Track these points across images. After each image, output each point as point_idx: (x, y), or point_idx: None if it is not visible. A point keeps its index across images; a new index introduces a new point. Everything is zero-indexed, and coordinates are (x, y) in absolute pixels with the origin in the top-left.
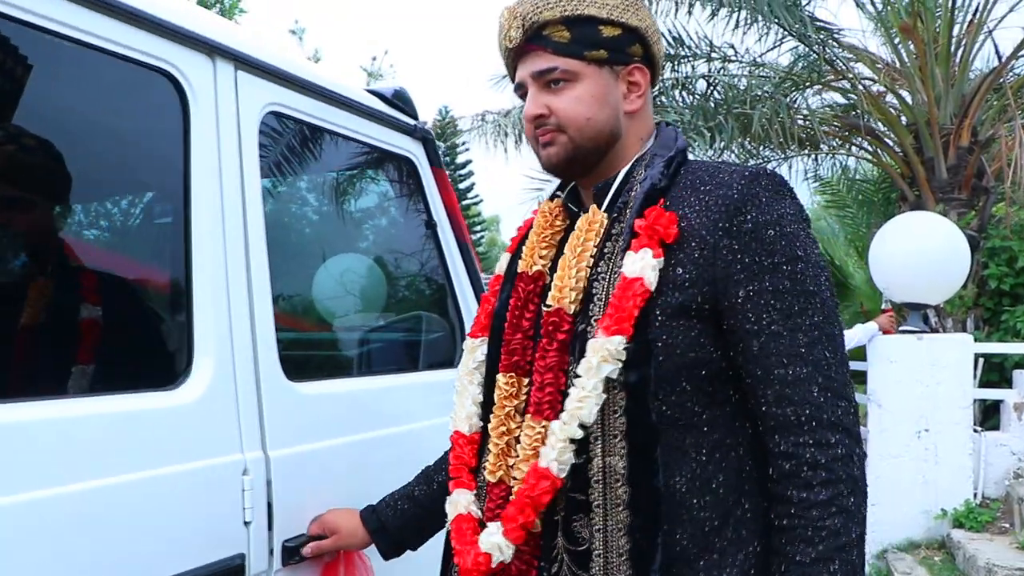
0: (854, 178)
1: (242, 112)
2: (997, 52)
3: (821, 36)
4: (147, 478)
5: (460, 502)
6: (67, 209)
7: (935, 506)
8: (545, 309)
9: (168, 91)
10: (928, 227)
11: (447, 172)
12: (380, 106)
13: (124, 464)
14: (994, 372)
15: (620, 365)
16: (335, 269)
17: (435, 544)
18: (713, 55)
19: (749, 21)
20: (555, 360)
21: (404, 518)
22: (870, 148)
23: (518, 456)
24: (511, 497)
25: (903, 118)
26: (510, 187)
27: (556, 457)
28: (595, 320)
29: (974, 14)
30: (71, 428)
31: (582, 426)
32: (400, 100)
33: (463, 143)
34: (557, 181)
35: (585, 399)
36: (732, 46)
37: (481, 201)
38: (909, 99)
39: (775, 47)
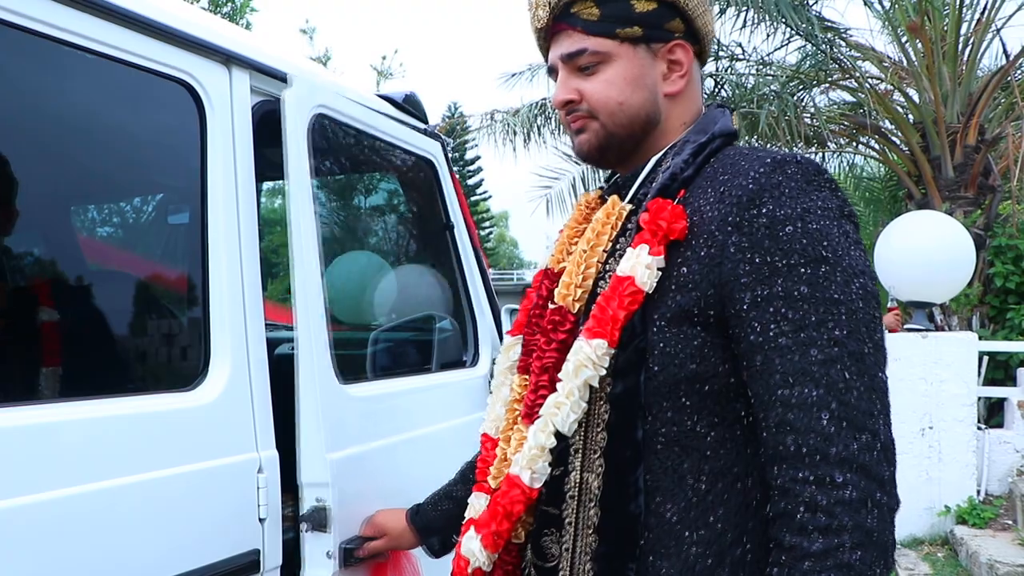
0: (861, 176)
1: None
2: (1005, 50)
3: (828, 35)
4: (166, 476)
5: (475, 505)
6: (89, 215)
7: (939, 503)
8: (550, 307)
9: (185, 99)
10: (933, 226)
11: (458, 170)
12: (390, 110)
13: (144, 463)
14: (999, 370)
15: (602, 372)
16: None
17: None
18: (721, 54)
19: (756, 20)
20: (551, 361)
21: (447, 517)
22: (877, 146)
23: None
24: None
25: (910, 117)
26: (519, 183)
27: (526, 465)
28: None
29: (982, 13)
30: (94, 429)
31: (559, 435)
32: (411, 104)
33: (472, 140)
34: (567, 177)
35: (560, 404)
36: (740, 45)
37: (490, 197)
38: (916, 98)
39: (783, 46)
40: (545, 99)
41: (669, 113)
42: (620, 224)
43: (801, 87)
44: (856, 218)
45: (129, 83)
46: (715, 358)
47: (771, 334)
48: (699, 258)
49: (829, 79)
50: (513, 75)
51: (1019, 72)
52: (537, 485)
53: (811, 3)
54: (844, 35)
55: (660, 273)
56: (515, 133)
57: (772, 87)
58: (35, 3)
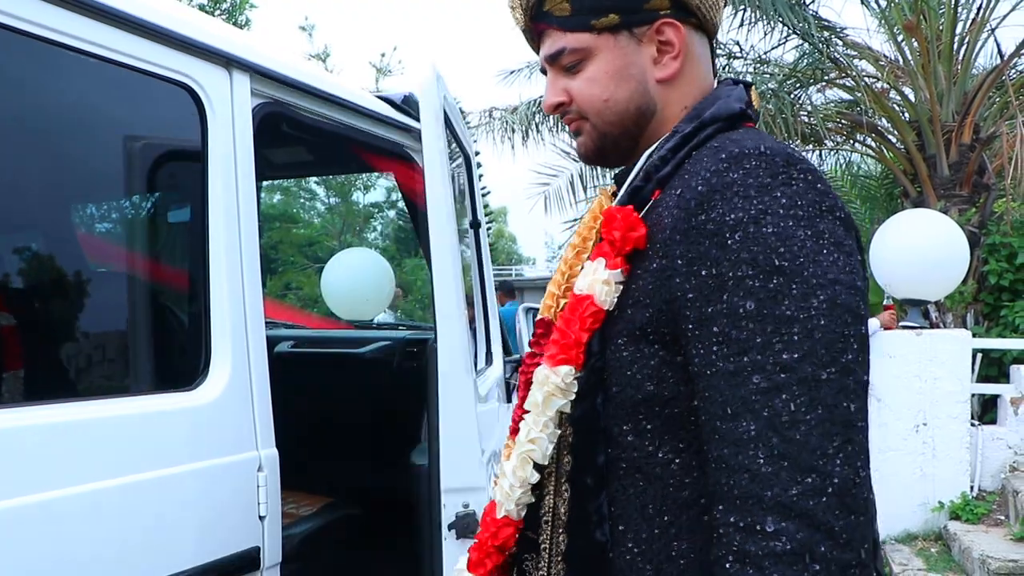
0: (857, 174)
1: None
2: (999, 50)
3: (825, 34)
4: (167, 475)
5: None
6: (91, 216)
7: (932, 499)
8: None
9: (187, 101)
10: (927, 224)
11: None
12: (387, 110)
13: (147, 462)
14: (993, 367)
15: (572, 398)
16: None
17: None
18: (718, 52)
19: (754, 19)
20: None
21: None
22: (873, 145)
23: None
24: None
25: (906, 115)
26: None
27: (512, 500)
28: None
29: (977, 12)
30: (97, 429)
31: (538, 467)
32: (409, 104)
33: (471, 137)
34: (565, 174)
35: (536, 440)
36: (737, 43)
37: (488, 193)
38: (912, 96)
39: (780, 45)
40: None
41: (666, 100)
42: None
43: (798, 85)
44: (843, 213)
45: (132, 86)
46: (674, 379)
47: (713, 357)
48: (652, 270)
49: (826, 78)
50: (512, 72)
51: (1013, 71)
52: (523, 514)
53: (808, 2)
54: (841, 34)
55: (621, 287)
56: (513, 131)
57: (769, 85)
58: (42, 9)
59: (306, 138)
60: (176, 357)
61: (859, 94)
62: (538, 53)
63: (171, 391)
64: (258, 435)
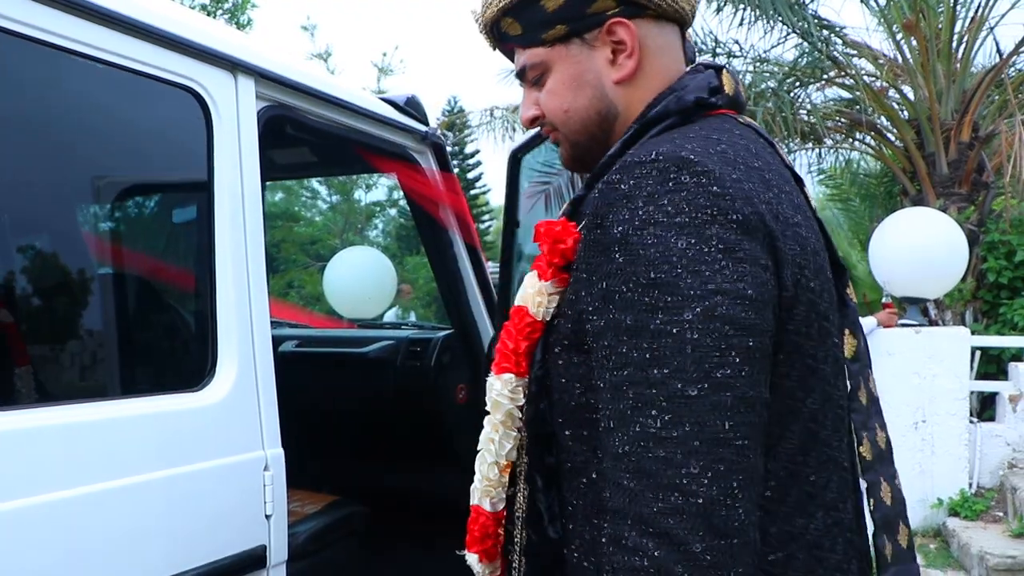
0: (857, 172)
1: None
2: (998, 49)
3: (824, 33)
4: (175, 475)
5: None
6: (100, 218)
7: (931, 495)
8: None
9: (193, 105)
10: (926, 223)
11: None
12: (390, 112)
13: (154, 462)
14: (991, 364)
15: (520, 402)
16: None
17: None
18: (718, 51)
19: (753, 18)
20: None
21: None
22: (872, 143)
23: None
24: None
25: (905, 113)
26: None
27: (483, 495)
28: None
29: (976, 11)
30: (107, 430)
31: (498, 465)
32: (412, 106)
33: (472, 135)
34: (565, 173)
35: (491, 439)
36: (737, 42)
37: (490, 191)
38: (911, 95)
39: (779, 44)
40: None
41: (628, 100)
42: None
43: (798, 84)
44: (740, 216)
45: (140, 91)
46: None
47: (602, 370)
48: (572, 281)
49: (825, 76)
50: (512, 72)
51: (1012, 70)
52: (501, 507)
53: (807, 1)
54: (840, 33)
55: (556, 298)
56: (514, 129)
57: (769, 84)
58: (53, 16)
59: (310, 140)
60: (183, 358)
61: (858, 93)
62: None
63: (178, 392)
64: (264, 435)
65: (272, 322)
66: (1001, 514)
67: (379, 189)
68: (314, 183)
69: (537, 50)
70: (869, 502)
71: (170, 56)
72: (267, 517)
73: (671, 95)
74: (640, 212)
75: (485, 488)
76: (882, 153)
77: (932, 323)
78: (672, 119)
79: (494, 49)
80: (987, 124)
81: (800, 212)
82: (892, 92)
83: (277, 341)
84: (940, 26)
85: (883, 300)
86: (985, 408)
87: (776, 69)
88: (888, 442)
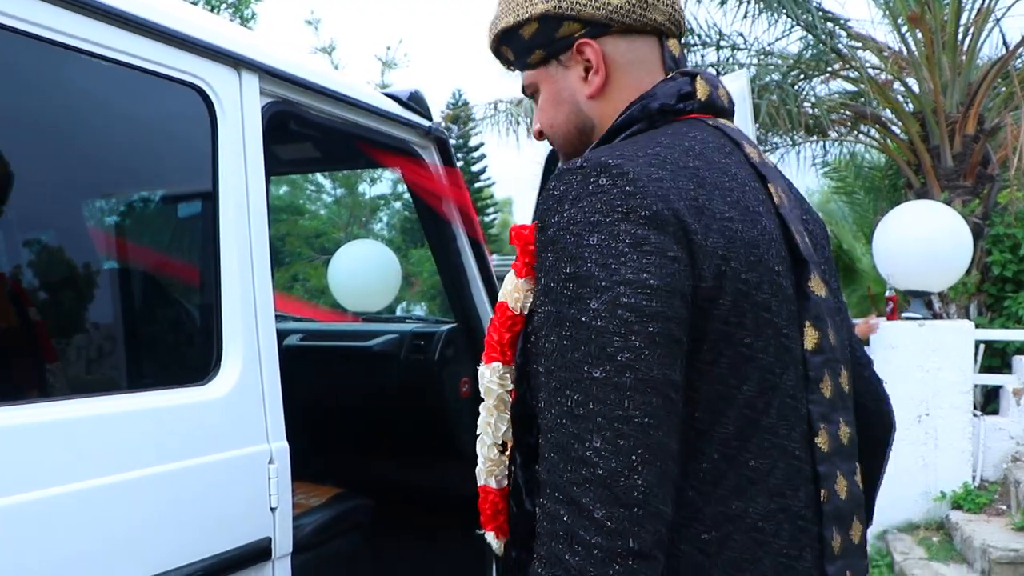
0: (861, 165)
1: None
2: (1004, 40)
3: (829, 26)
4: (181, 468)
5: None
6: (106, 215)
7: (935, 488)
8: None
9: (197, 102)
10: (930, 216)
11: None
12: (394, 107)
13: (161, 456)
14: (995, 357)
15: (509, 387)
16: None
17: None
18: (722, 44)
19: (758, 11)
20: None
21: None
22: (877, 136)
23: None
24: None
25: (910, 106)
26: (523, 170)
27: (488, 475)
28: None
29: (982, 2)
30: (115, 424)
31: (496, 445)
32: (415, 102)
33: (475, 128)
34: None
35: (488, 423)
36: (741, 35)
37: (494, 184)
38: (916, 87)
39: (783, 36)
40: None
41: (601, 113)
42: None
43: (802, 77)
44: (649, 212)
45: (145, 88)
46: None
47: (537, 356)
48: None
49: (830, 69)
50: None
51: (1018, 62)
52: (506, 483)
53: None
54: (845, 25)
55: (531, 293)
56: (518, 123)
57: (773, 77)
58: (59, 15)
59: (314, 135)
60: (188, 353)
61: (863, 85)
62: None
63: (184, 386)
64: (269, 429)
65: (277, 316)
66: (1004, 507)
67: (384, 182)
68: (319, 176)
69: (528, 72)
70: (821, 493)
71: (174, 53)
72: (272, 510)
73: (637, 104)
74: (565, 214)
75: (489, 468)
76: (887, 146)
77: (936, 316)
78: (639, 125)
79: (509, 70)
80: (992, 116)
81: (738, 208)
82: (897, 85)
83: (282, 335)
84: (946, 18)
85: (887, 293)
86: (989, 402)
87: (780, 62)
88: (852, 438)
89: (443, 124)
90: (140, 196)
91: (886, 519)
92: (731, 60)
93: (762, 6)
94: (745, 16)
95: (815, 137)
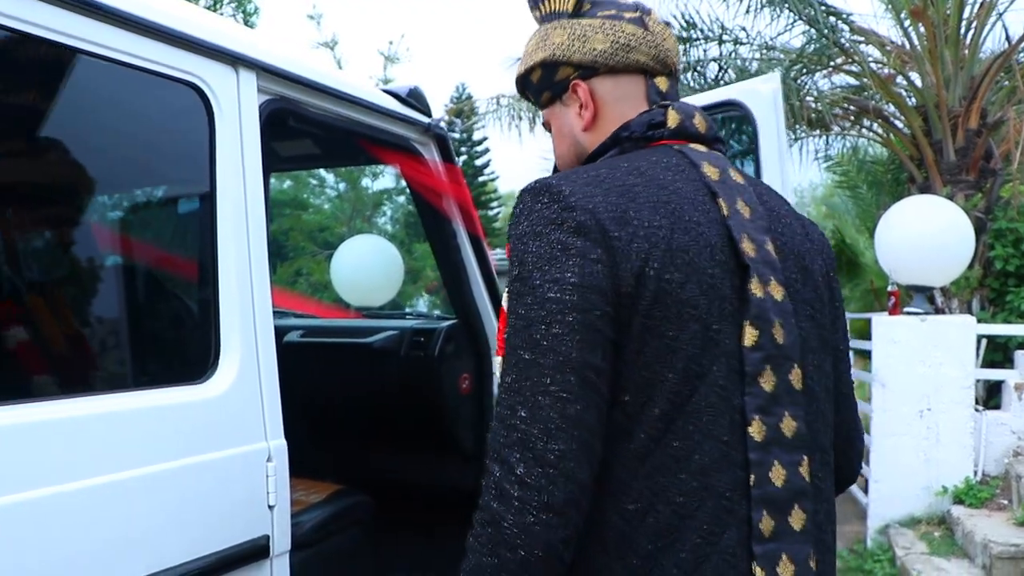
0: (864, 159)
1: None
2: (1007, 34)
3: (831, 20)
4: (179, 467)
5: None
6: (105, 212)
7: (936, 483)
8: None
9: (195, 100)
10: (932, 211)
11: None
12: (393, 104)
13: (159, 454)
14: (998, 352)
15: None
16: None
17: None
18: (725, 38)
19: (760, 5)
20: None
21: None
22: (880, 130)
23: None
24: None
25: (912, 100)
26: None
27: None
28: None
29: None
30: (113, 423)
31: None
32: (414, 98)
33: (478, 122)
34: None
35: None
36: (744, 29)
37: (497, 178)
38: (918, 82)
39: (786, 30)
40: None
41: (592, 143)
42: None
43: (805, 71)
44: (575, 222)
45: (143, 87)
46: None
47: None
48: None
49: (832, 63)
50: (518, 59)
51: (1021, 56)
52: None
53: None
54: (847, 19)
55: None
56: (520, 117)
57: (776, 71)
58: (58, 15)
59: (313, 132)
60: (186, 351)
61: (865, 79)
62: None
63: (182, 385)
64: (267, 426)
65: (277, 311)
66: (1006, 502)
67: (386, 177)
68: (321, 171)
69: (544, 111)
70: (750, 478)
71: (172, 52)
72: (270, 508)
73: (613, 134)
74: (519, 228)
75: None
76: (889, 140)
77: (938, 311)
78: (612, 151)
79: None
80: (995, 111)
81: (671, 218)
82: (899, 79)
83: (281, 331)
84: (948, 12)
85: (889, 288)
86: (991, 396)
87: (783, 56)
88: (799, 431)
89: (447, 118)
90: (138, 194)
91: (888, 513)
92: (733, 55)
93: (764, 0)
94: (748, 10)
95: (818, 131)
